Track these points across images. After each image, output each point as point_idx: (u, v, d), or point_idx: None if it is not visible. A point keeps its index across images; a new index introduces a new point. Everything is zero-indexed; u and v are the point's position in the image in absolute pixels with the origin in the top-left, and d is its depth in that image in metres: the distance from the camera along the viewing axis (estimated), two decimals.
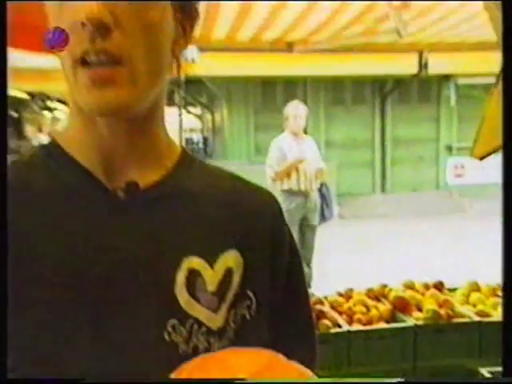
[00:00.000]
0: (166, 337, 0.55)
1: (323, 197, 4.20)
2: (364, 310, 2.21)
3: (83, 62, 0.50)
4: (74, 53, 0.51)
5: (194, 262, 0.58)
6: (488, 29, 3.36)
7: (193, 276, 0.57)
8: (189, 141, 12.08)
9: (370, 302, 2.28)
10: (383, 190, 9.15)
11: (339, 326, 2.11)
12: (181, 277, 0.57)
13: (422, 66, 7.39)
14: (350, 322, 2.16)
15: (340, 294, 2.40)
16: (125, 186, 0.58)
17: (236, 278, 0.60)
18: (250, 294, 0.61)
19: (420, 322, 2.12)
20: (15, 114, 10.57)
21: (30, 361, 0.53)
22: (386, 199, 8.82)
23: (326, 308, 2.23)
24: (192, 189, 0.63)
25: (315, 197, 4.15)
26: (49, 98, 10.60)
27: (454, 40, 4.16)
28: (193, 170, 0.65)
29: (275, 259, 0.65)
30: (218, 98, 9.12)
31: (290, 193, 4.06)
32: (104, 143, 0.58)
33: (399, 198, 8.79)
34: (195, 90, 9.03)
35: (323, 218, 4.22)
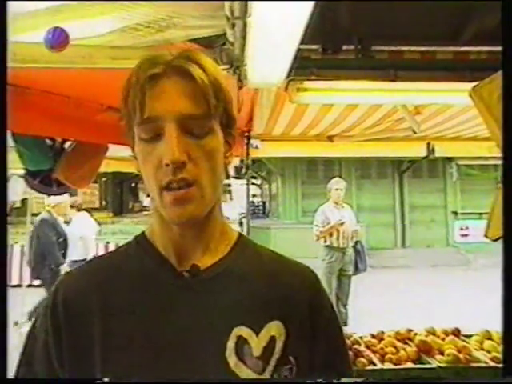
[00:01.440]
0: None
1: (358, 252, 4.06)
2: (394, 350, 2.05)
3: (167, 188, 0.51)
4: (160, 182, 0.51)
5: (243, 330, 0.55)
6: (481, 127, 3.30)
7: (241, 343, 0.54)
8: (252, 204, 12.24)
9: (399, 344, 2.11)
10: (403, 245, 8.73)
11: (373, 364, 1.96)
12: (231, 343, 0.54)
13: (430, 151, 7.21)
14: (382, 360, 2.00)
15: (373, 336, 2.24)
16: (189, 268, 0.57)
17: (279, 345, 0.56)
18: (292, 359, 0.56)
19: (442, 365, 1.93)
20: (133, 184, 11.20)
21: None
22: (406, 253, 8.38)
23: (362, 348, 2.09)
24: (243, 269, 0.59)
25: (351, 252, 4.00)
26: None
27: (454, 135, 4.11)
28: (245, 252, 0.62)
29: (316, 327, 0.59)
30: (274, 173, 9.28)
31: (330, 248, 3.94)
32: (176, 238, 0.57)
33: (416, 252, 8.34)
34: (257, 167, 9.26)
35: (357, 269, 4.06)
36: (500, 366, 1.92)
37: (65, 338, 0.54)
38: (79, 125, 2.02)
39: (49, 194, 3.30)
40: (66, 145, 2.41)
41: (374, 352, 2.06)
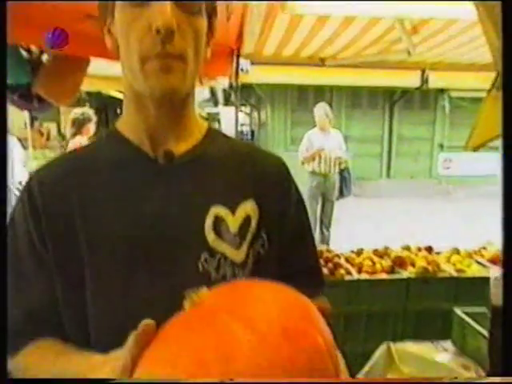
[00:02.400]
0: (200, 267, 0.55)
1: (344, 179, 4.14)
2: (371, 264, 2.22)
3: (153, 57, 0.50)
4: (145, 50, 0.50)
5: (219, 209, 0.57)
6: (480, 51, 3.23)
7: (218, 221, 0.56)
8: (240, 132, 12.07)
9: (376, 259, 2.29)
10: (388, 176, 8.96)
11: (351, 275, 2.14)
12: (209, 221, 0.56)
13: (424, 81, 7.08)
14: (360, 272, 2.19)
15: (352, 252, 2.42)
16: (163, 154, 0.57)
17: (253, 223, 0.59)
18: (264, 235, 0.60)
19: (412, 275, 2.13)
20: (118, 111, 10.81)
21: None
22: (390, 183, 8.64)
23: (342, 261, 2.26)
24: (216, 154, 0.61)
25: (334, 178, 4.08)
26: None
27: (451, 60, 4.00)
28: (216, 140, 0.63)
29: (284, 207, 0.63)
30: (264, 100, 9.06)
31: (312, 174, 4.03)
32: (151, 123, 0.57)
33: (400, 183, 8.60)
34: (247, 94, 9.00)
35: (341, 194, 4.17)
36: (459, 275, 2.13)
37: (47, 231, 0.54)
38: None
39: (30, 110, 3.20)
40: (44, 58, 2.30)
41: (353, 265, 2.24)
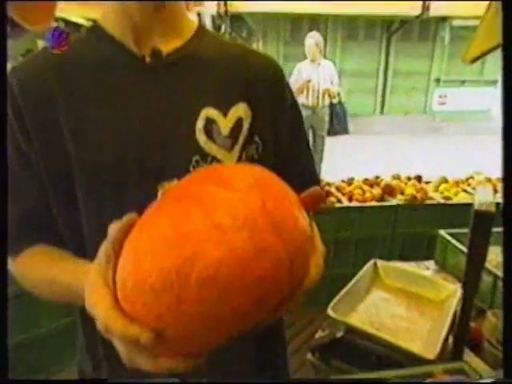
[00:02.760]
0: (191, 169, 0.54)
1: (336, 114, 4.02)
2: (361, 192, 2.28)
3: None
4: None
5: (210, 111, 0.55)
6: None
7: (209, 123, 0.55)
8: None
9: (366, 188, 2.34)
10: (382, 112, 8.84)
11: (341, 202, 2.20)
12: (200, 124, 0.54)
13: (425, 8, 6.72)
14: (350, 200, 2.24)
15: (343, 181, 2.46)
16: (150, 52, 0.54)
17: (246, 126, 0.57)
18: (257, 139, 0.59)
19: (401, 202, 2.20)
20: None
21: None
22: (383, 119, 8.55)
23: (332, 189, 2.31)
24: (206, 53, 0.58)
25: (323, 112, 3.94)
26: None
27: None
28: (207, 39, 0.60)
29: (278, 111, 0.61)
30: (256, 32, 8.60)
31: (302, 106, 3.93)
32: (134, 20, 0.54)
33: (393, 119, 8.52)
34: (237, 26, 8.51)
35: (333, 131, 4.08)
36: (446, 202, 2.20)
37: (30, 127, 0.52)
38: None
39: None
40: None
41: (343, 194, 2.29)
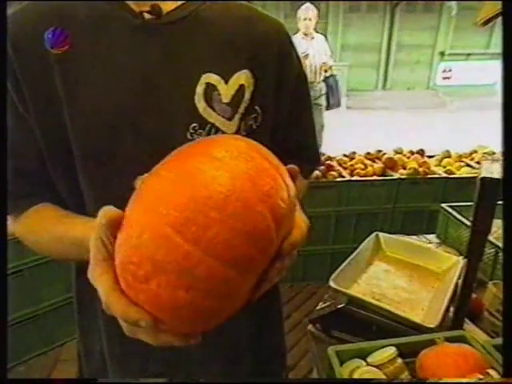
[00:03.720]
0: (189, 136, 0.52)
1: (330, 87, 3.92)
2: (362, 166, 2.25)
3: None
4: None
5: (211, 77, 0.53)
6: None
7: (210, 89, 0.52)
8: None
9: (368, 162, 2.32)
10: (384, 87, 8.69)
11: (343, 177, 2.17)
12: (199, 89, 0.52)
13: None
14: (352, 175, 2.22)
15: (345, 155, 2.44)
16: (149, 9, 0.52)
17: (247, 94, 0.55)
18: (258, 108, 0.56)
19: (403, 176, 2.17)
20: None
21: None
22: (386, 95, 8.42)
23: (334, 163, 2.28)
24: (210, 14, 0.55)
25: (320, 86, 3.81)
26: None
27: None
28: None
29: (282, 80, 0.58)
30: (254, 4, 8.37)
31: None
32: None
33: (396, 94, 8.38)
34: None
35: (328, 104, 4.00)
36: (448, 176, 2.18)
37: (23, 84, 0.50)
38: None
39: None
40: None
41: (345, 168, 2.27)
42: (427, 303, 0.96)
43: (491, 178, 0.74)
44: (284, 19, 8.05)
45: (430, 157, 2.45)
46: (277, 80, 0.57)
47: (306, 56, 3.64)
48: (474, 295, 0.98)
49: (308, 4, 3.78)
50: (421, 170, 2.15)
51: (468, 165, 2.33)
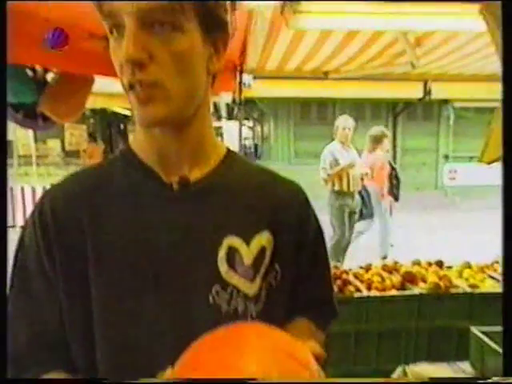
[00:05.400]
0: (211, 300, 0.53)
1: (363, 199, 3.93)
2: (380, 280, 2.16)
3: (131, 87, 0.49)
4: (124, 81, 0.49)
5: (233, 240, 0.55)
6: (482, 63, 3.21)
7: (232, 252, 0.55)
8: (243, 146, 12.10)
9: (385, 274, 2.23)
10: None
11: (360, 292, 2.07)
12: (222, 252, 0.54)
13: (426, 92, 7.09)
14: (369, 289, 2.12)
15: (361, 267, 2.36)
16: (178, 180, 0.55)
17: (268, 254, 0.57)
18: (277, 266, 0.58)
19: (424, 291, 2.06)
20: (122, 126, 10.95)
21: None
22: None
23: (350, 277, 2.20)
24: (232, 181, 0.59)
25: (358, 197, 3.82)
26: None
27: (455, 72, 4.00)
28: (234, 166, 0.61)
29: (301, 239, 0.61)
30: (267, 114, 9.10)
31: (339, 193, 3.64)
32: (160, 145, 0.55)
33: (405, 195, 8.52)
34: (249, 108, 9.05)
35: (361, 216, 3.88)
36: (473, 291, 2.06)
37: (55, 247, 0.53)
38: (62, 52, 1.91)
39: (34, 129, 3.21)
40: (49, 77, 2.31)
41: (362, 281, 2.17)
42: None
43: None
44: (294, 127, 8.66)
45: (450, 267, 2.36)
46: (296, 240, 0.60)
47: (352, 166, 3.63)
48: None
49: (346, 115, 3.92)
50: (442, 283, 2.05)
51: (491, 277, 2.22)
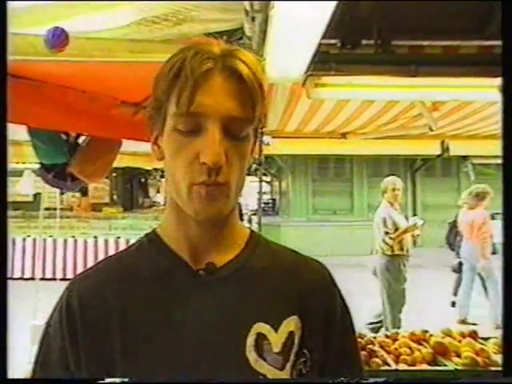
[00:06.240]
0: None
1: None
2: (409, 351, 2.00)
3: (199, 183, 0.50)
4: (192, 178, 0.50)
5: (262, 327, 0.54)
6: (498, 126, 3.24)
7: (260, 339, 0.54)
8: (262, 201, 12.19)
9: (414, 345, 2.06)
10: (415, 245, 8.65)
11: (388, 365, 1.92)
12: (250, 340, 0.53)
13: (444, 149, 7.14)
14: (397, 361, 1.96)
15: (387, 336, 2.21)
16: (205, 267, 0.56)
17: (297, 340, 0.56)
18: (306, 352, 0.56)
19: (459, 367, 1.89)
20: (143, 180, 11.31)
21: None
22: (418, 253, 8.28)
23: (376, 347, 2.05)
24: (258, 265, 0.59)
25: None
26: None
27: (471, 133, 4.04)
28: (258, 249, 0.61)
29: (329, 321, 0.59)
30: (285, 170, 9.25)
31: (398, 257, 3.52)
32: (193, 235, 0.56)
33: (429, 251, 8.26)
34: (268, 164, 9.24)
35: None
36: None
37: (82, 341, 0.53)
38: (93, 119, 2.02)
39: (62, 189, 3.33)
40: (81, 140, 2.43)
41: (389, 353, 2.02)
42: None
43: None
44: (312, 183, 8.73)
45: (486, 339, 2.18)
46: (324, 321, 0.59)
47: (416, 227, 3.54)
48: None
49: (394, 176, 3.85)
50: (480, 359, 1.87)
51: None
